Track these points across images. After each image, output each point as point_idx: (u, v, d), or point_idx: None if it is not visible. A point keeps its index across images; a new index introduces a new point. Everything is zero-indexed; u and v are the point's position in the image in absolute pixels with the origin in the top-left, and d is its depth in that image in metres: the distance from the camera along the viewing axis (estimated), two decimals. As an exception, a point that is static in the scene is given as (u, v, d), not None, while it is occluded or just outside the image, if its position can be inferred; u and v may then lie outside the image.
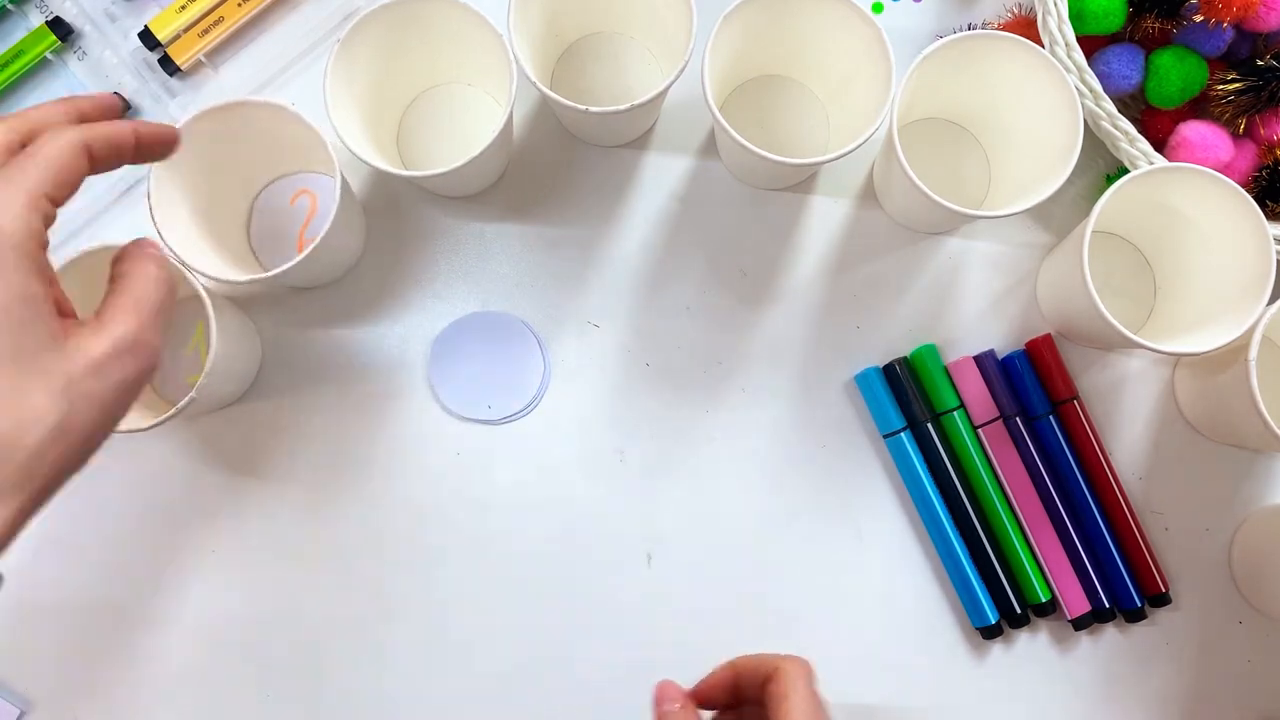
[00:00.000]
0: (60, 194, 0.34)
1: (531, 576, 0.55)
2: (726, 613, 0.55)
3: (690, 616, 0.55)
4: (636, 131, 0.58)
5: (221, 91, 0.59)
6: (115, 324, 0.34)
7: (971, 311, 0.58)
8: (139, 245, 0.38)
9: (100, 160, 0.35)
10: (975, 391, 0.55)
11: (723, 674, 0.41)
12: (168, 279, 0.37)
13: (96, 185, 0.58)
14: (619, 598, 0.56)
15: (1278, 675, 0.56)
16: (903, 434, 0.55)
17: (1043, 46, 0.52)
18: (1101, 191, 0.50)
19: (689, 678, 0.55)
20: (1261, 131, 0.55)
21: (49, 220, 0.33)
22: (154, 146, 0.38)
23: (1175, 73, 0.54)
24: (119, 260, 0.37)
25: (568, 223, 0.58)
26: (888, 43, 0.49)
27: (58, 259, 0.51)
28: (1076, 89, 0.50)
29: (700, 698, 0.41)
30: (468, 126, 0.58)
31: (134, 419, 0.49)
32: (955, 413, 0.55)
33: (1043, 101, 0.51)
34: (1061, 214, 0.58)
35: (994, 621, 0.54)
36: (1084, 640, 0.56)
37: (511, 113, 0.50)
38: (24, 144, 0.34)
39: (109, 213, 0.58)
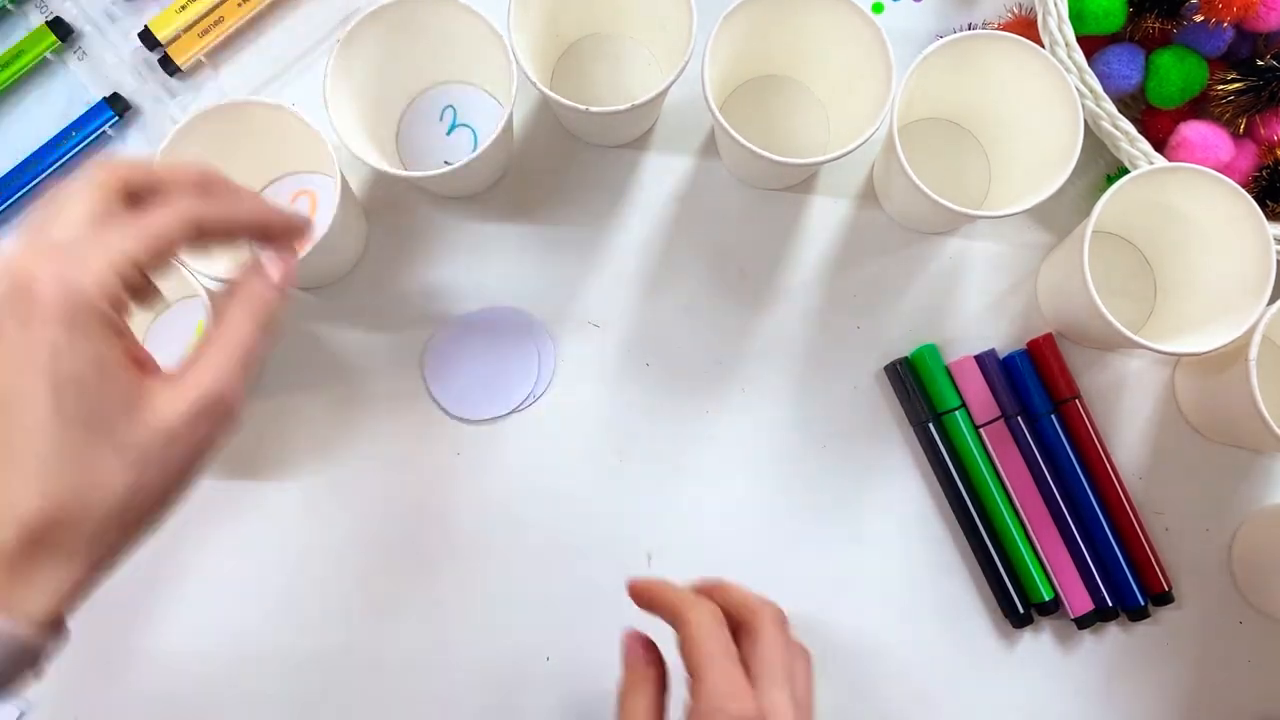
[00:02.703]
0: (154, 264, 0.33)
1: (532, 577, 0.55)
2: (727, 613, 0.55)
3: (690, 617, 0.55)
4: (636, 131, 0.58)
5: (221, 92, 0.59)
6: (196, 382, 0.33)
7: (972, 311, 0.58)
8: (250, 278, 0.36)
9: (211, 239, 0.34)
10: (976, 391, 0.55)
11: (703, 597, 0.40)
12: (267, 324, 0.36)
13: (96, 185, 0.58)
14: (619, 598, 0.56)
15: (1278, 675, 0.56)
16: (957, 413, 0.55)
17: (1043, 46, 0.52)
18: (1102, 191, 0.50)
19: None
20: (1261, 131, 0.55)
21: (134, 286, 0.32)
22: (283, 236, 0.37)
23: (1175, 73, 0.54)
24: (226, 293, 0.36)
25: (568, 223, 0.58)
26: (888, 43, 0.49)
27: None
28: (1077, 89, 0.50)
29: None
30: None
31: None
32: (957, 412, 0.55)
33: (1043, 102, 0.51)
34: (1062, 214, 0.58)
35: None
36: (1087, 638, 0.56)
37: (511, 113, 0.50)
38: (137, 194, 0.33)
39: (109, 213, 0.58)
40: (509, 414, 0.57)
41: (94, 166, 0.33)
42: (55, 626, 0.31)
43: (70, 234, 0.31)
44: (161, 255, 0.32)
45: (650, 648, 0.41)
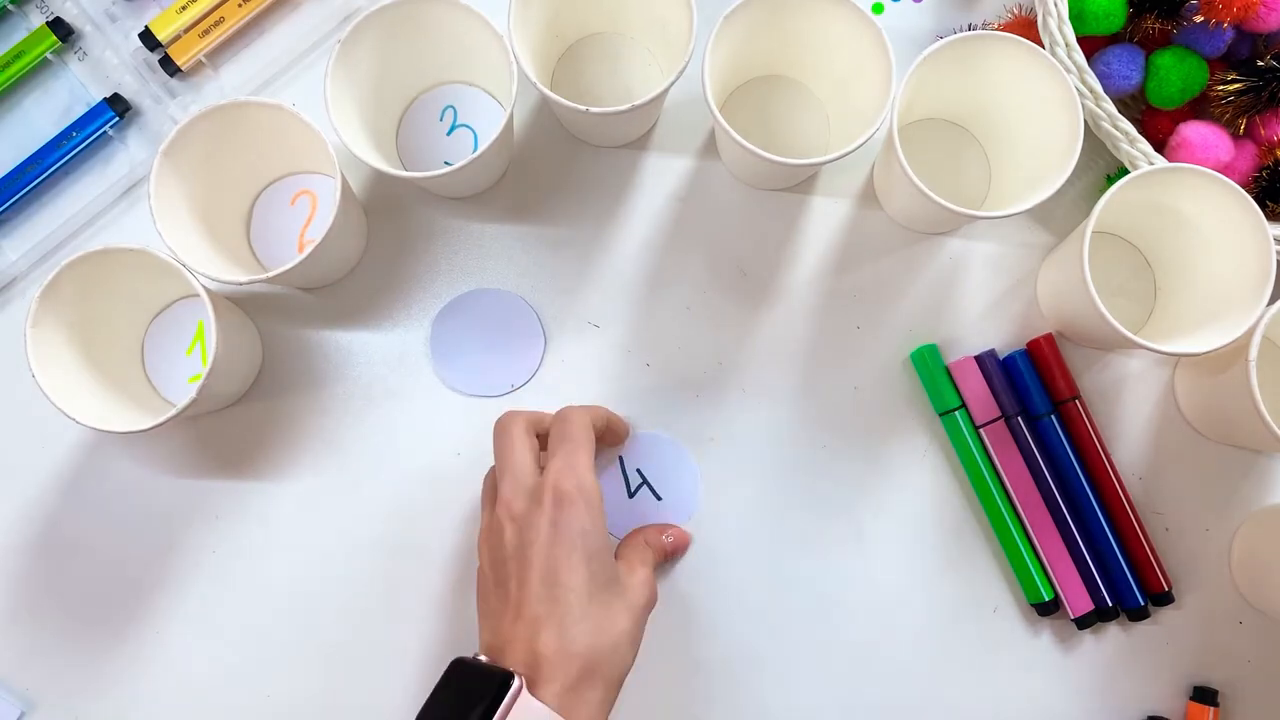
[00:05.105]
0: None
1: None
2: (726, 612, 0.55)
3: (689, 616, 0.55)
4: (637, 132, 0.58)
5: (222, 92, 0.59)
6: (642, 569, 0.48)
7: (972, 311, 0.58)
8: (654, 530, 0.54)
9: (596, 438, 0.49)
10: (976, 391, 0.55)
11: None
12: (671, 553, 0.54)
13: (97, 185, 0.58)
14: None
15: (1278, 675, 0.56)
16: (957, 413, 0.55)
17: (1043, 47, 0.52)
18: (1102, 192, 0.50)
19: (687, 679, 0.55)
20: (1261, 132, 0.55)
21: None
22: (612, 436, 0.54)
23: (1175, 73, 0.54)
24: (649, 537, 0.52)
25: (568, 223, 0.58)
26: (888, 43, 0.49)
27: (58, 261, 0.51)
28: (1076, 89, 0.50)
29: None
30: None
31: (134, 419, 0.49)
32: (957, 412, 0.55)
33: (1043, 102, 0.51)
34: (1062, 214, 0.58)
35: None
36: (1087, 638, 0.56)
37: (512, 113, 0.50)
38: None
39: (110, 212, 0.58)
40: (516, 384, 0.57)
41: (512, 422, 0.49)
42: None
43: (535, 463, 0.46)
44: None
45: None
